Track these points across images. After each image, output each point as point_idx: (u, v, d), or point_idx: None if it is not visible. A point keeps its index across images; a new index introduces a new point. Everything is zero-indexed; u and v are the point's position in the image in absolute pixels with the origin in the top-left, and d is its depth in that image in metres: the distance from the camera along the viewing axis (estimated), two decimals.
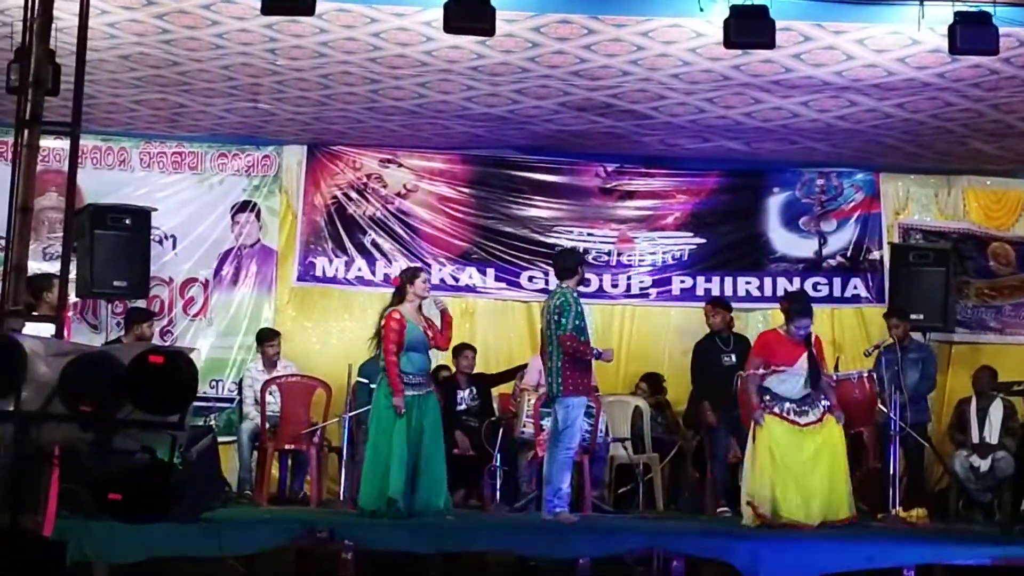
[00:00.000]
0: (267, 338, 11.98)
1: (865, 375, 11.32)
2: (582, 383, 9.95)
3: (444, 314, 10.03)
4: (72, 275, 11.39)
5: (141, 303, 12.03)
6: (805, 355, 9.86)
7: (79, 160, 8.42)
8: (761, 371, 9.93)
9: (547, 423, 10.57)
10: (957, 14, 9.24)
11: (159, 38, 10.01)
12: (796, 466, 9.71)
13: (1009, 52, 9.68)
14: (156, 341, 11.64)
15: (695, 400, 11.95)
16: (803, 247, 13.46)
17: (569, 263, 10.37)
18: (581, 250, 13.07)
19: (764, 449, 9.76)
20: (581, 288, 11.06)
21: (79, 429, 5.31)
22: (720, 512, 11.17)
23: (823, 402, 9.91)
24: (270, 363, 11.87)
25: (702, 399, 11.66)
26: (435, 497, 9.59)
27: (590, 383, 10.21)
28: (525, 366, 11.73)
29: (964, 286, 13.20)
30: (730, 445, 11.48)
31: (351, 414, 11.31)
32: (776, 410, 9.84)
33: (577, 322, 9.90)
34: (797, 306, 10.23)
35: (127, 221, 11.79)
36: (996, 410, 11.89)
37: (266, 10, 9.07)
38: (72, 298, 11.74)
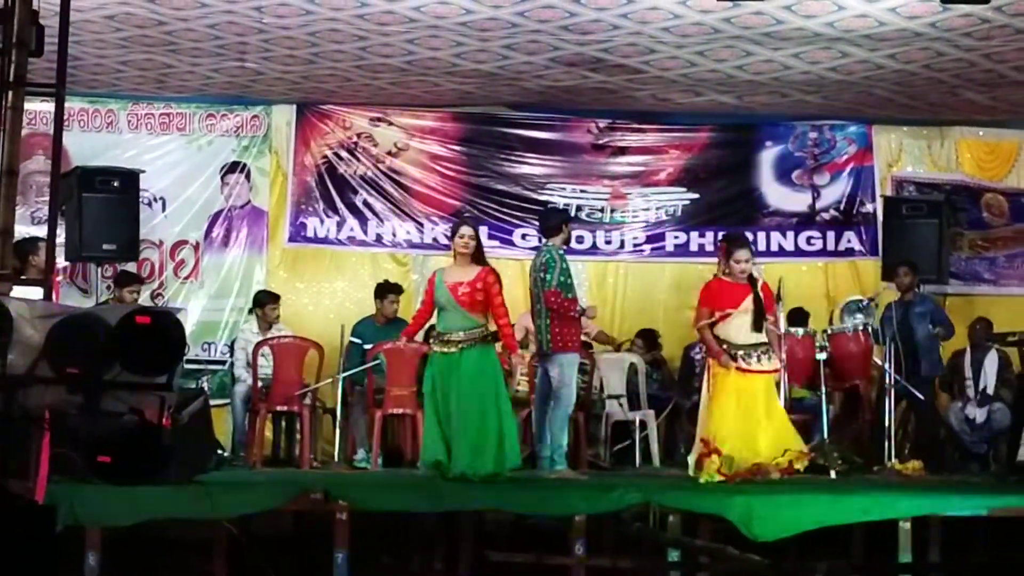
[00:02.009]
0: (269, 301, 11.90)
1: (860, 328, 11.28)
2: (571, 339, 9.91)
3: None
4: (61, 239, 11.33)
5: (131, 266, 11.97)
6: (750, 296, 9.67)
7: (66, 123, 8.38)
8: (709, 320, 9.72)
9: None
10: None
11: None
12: (744, 408, 9.60)
13: (1001, 0, 9.61)
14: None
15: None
16: (796, 201, 13.42)
17: (554, 221, 10.32)
18: (574, 207, 13.09)
19: (720, 396, 9.65)
20: (573, 245, 11.01)
21: (66, 391, 5.28)
22: None
23: (772, 360, 9.74)
24: (267, 326, 11.79)
25: None
26: (478, 462, 9.12)
27: (579, 339, 10.16)
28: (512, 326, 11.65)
29: (957, 238, 13.18)
30: None
31: (344, 374, 11.29)
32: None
33: (562, 278, 9.85)
34: (732, 242, 10.08)
35: (115, 183, 11.70)
36: (991, 361, 11.88)
37: None
38: (61, 262, 11.69)
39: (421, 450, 9.54)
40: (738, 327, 9.65)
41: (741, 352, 9.64)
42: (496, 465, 9.15)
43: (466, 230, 9.55)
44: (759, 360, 9.66)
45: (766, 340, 9.75)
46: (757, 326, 9.66)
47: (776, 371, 9.81)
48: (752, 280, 9.76)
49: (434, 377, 9.33)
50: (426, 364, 9.66)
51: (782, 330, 10.35)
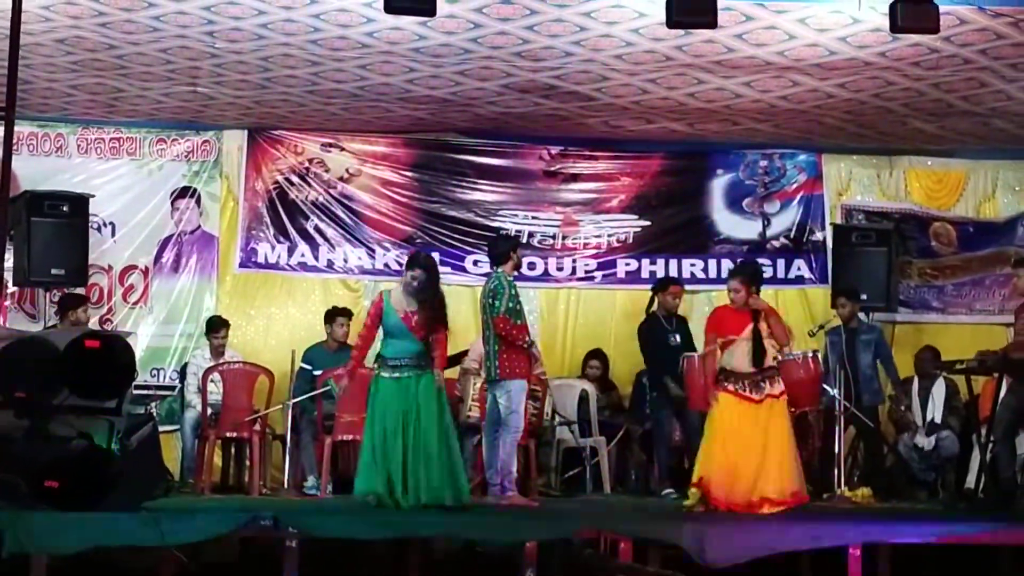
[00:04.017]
0: (214, 328, 11.86)
1: (810, 355, 11.32)
2: (519, 365, 9.88)
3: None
4: (9, 263, 11.26)
5: (80, 291, 11.89)
6: (750, 327, 9.55)
7: (15, 147, 8.31)
8: (715, 346, 9.61)
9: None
10: None
11: (95, 20, 9.88)
12: (747, 445, 9.41)
13: (949, 31, 9.73)
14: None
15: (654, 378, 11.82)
16: (747, 229, 13.47)
17: (502, 248, 10.32)
18: (526, 233, 13.10)
19: (717, 430, 9.55)
20: (524, 272, 11.00)
21: (13, 416, 5.23)
22: (665, 494, 11.17)
23: (776, 385, 9.58)
24: (217, 352, 11.75)
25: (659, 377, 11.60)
26: (437, 489, 9.11)
27: (528, 366, 10.07)
28: (467, 352, 11.63)
29: (906, 266, 13.28)
30: (674, 427, 11.51)
31: (294, 401, 11.24)
32: (730, 387, 9.51)
33: (511, 305, 9.85)
34: (731, 271, 10.14)
35: (64, 208, 11.65)
36: (939, 390, 11.95)
37: None
38: (9, 287, 11.61)
39: (363, 477, 9.30)
40: (741, 355, 9.53)
41: (746, 381, 9.49)
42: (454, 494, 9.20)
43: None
44: (763, 388, 9.50)
45: (773, 365, 9.62)
46: (756, 360, 9.51)
47: (766, 399, 9.49)
48: (754, 312, 9.61)
49: (388, 404, 9.21)
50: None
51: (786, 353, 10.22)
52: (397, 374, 9.26)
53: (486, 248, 11.47)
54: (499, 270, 10.08)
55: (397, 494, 9.05)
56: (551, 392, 11.67)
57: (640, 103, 11.74)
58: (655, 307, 11.84)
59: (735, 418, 9.50)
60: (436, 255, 12.74)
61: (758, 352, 9.53)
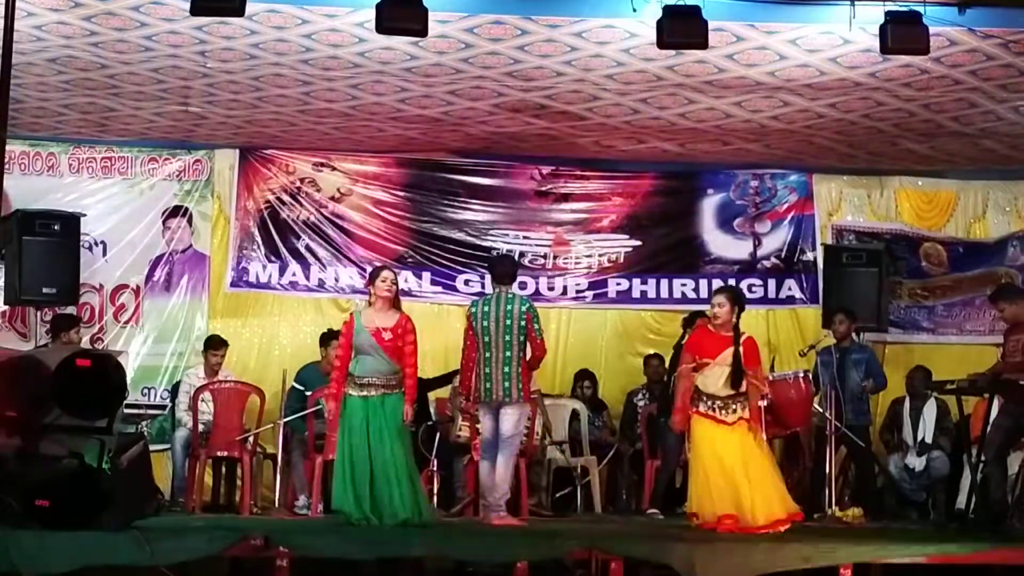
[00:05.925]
0: (212, 347, 11.83)
1: (801, 375, 11.33)
2: (527, 389, 9.84)
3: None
4: (0, 282, 11.26)
5: (71, 310, 11.88)
6: (730, 349, 9.43)
7: (6, 166, 8.32)
8: (690, 365, 9.52)
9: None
10: (888, 14, 9.33)
11: (87, 40, 9.92)
12: (731, 468, 9.29)
13: (939, 52, 9.78)
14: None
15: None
16: (738, 249, 13.49)
17: (514, 268, 10.26)
18: (517, 253, 13.11)
19: (699, 455, 9.45)
20: (515, 291, 10.96)
21: (4, 435, 5.22)
22: (651, 514, 11.12)
23: (745, 408, 9.41)
24: (212, 371, 11.73)
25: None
26: (401, 507, 9.13)
27: None
28: (457, 371, 11.58)
29: (897, 286, 13.29)
30: (682, 452, 11.38)
31: (284, 420, 11.22)
32: (701, 408, 9.41)
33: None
34: (717, 288, 10.13)
35: (56, 227, 11.62)
36: (930, 410, 11.97)
37: (195, 11, 9.01)
38: (0, 306, 11.59)
39: (336, 493, 9.32)
40: (715, 378, 9.42)
41: (718, 403, 9.39)
42: (413, 512, 9.19)
43: (388, 274, 9.51)
44: (734, 412, 9.39)
45: (744, 392, 9.45)
46: (734, 383, 9.39)
47: (738, 422, 9.36)
48: (736, 334, 9.49)
49: (355, 423, 9.22)
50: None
51: (766, 388, 9.90)
52: (364, 392, 9.25)
53: (490, 266, 11.10)
54: (512, 291, 9.89)
55: (366, 510, 9.09)
56: (542, 411, 11.65)
57: (631, 123, 11.77)
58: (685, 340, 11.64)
59: (715, 442, 9.39)
60: (427, 274, 12.89)
61: (736, 377, 9.41)
